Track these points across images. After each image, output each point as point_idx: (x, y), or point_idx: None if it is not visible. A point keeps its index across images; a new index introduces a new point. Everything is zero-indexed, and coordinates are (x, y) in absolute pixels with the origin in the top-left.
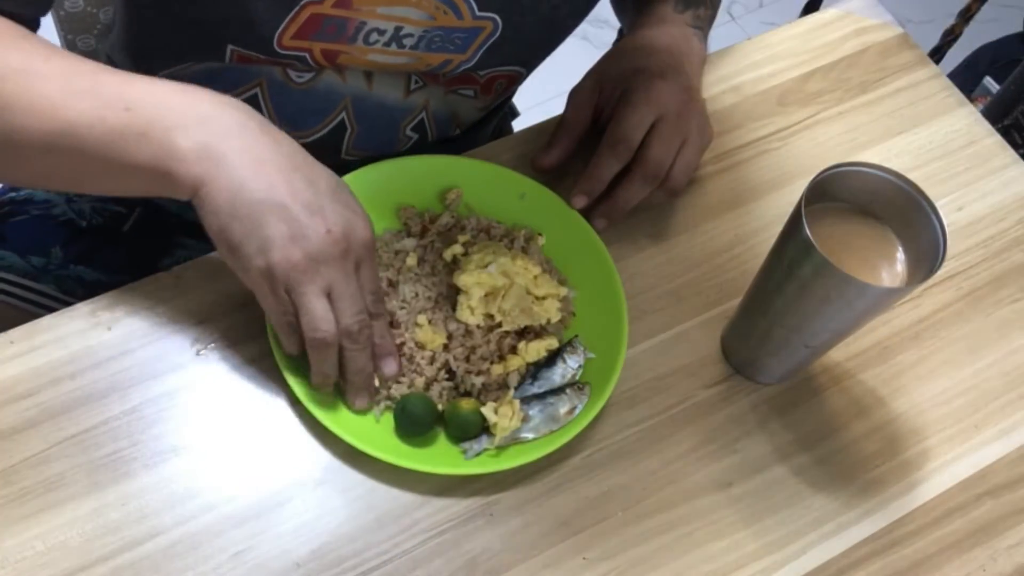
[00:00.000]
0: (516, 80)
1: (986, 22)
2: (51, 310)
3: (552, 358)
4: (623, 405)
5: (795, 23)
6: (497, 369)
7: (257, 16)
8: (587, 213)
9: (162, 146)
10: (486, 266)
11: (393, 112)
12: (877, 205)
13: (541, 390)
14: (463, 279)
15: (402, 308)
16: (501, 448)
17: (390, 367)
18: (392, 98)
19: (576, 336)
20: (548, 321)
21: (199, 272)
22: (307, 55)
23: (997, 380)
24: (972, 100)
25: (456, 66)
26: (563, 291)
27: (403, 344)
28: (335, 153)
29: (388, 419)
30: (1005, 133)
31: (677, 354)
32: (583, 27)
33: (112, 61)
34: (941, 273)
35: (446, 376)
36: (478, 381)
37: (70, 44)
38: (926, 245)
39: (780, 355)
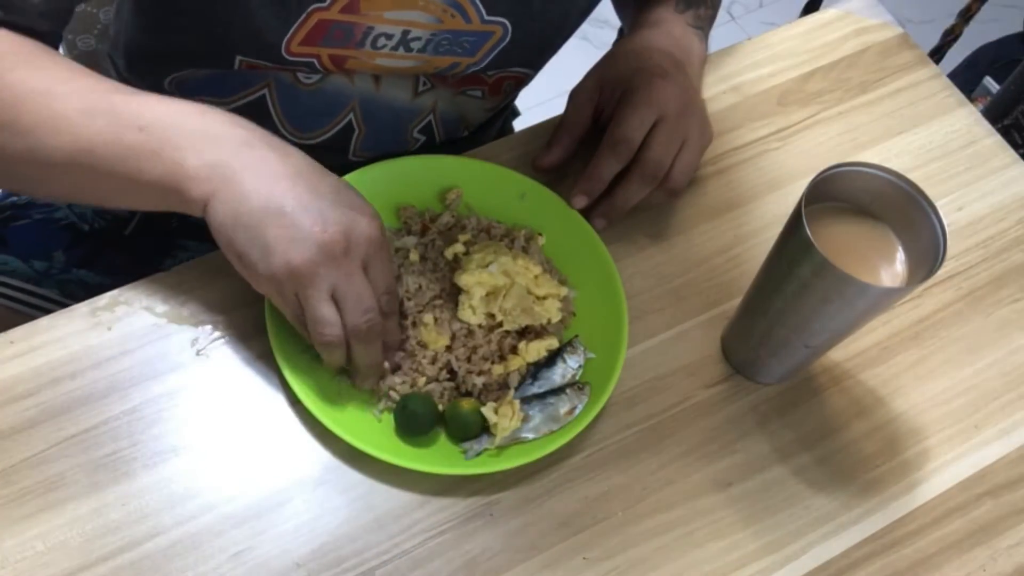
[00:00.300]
0: (523, 81)
1: (986, 22)
2: None
3: (552, 358)
4: (623, 405)
5: (795, 23)
6: (498, 369)
7: (264, 24)
8: (587, 213)
9: (174, 165)
10: (487, 266)
11: (401, 114)
12: (877, 205)
13: (541, 390)
14: (464, 279)
15: (409, 300)
16: (501, 448)
17: (398, 360)
18: (400, 100)
19: (576, 336)
20: (548, 321)
21: (199, 272)
22: (315, 61)
23: (997, 380)
24: (972, 100)
25: (464, 68)
26: (563, 291)
27: (405, 340)
28: (343, 154)
29: (388, 419)
30: (1005, 133)
31: (677, 354)
32: (583, 27)
33: (113, 63)
34: (941, 273)
35: (447, 376)
36: (479, 381)
37: (70, 44)
38: (926, 245)
39: (780, 355)
